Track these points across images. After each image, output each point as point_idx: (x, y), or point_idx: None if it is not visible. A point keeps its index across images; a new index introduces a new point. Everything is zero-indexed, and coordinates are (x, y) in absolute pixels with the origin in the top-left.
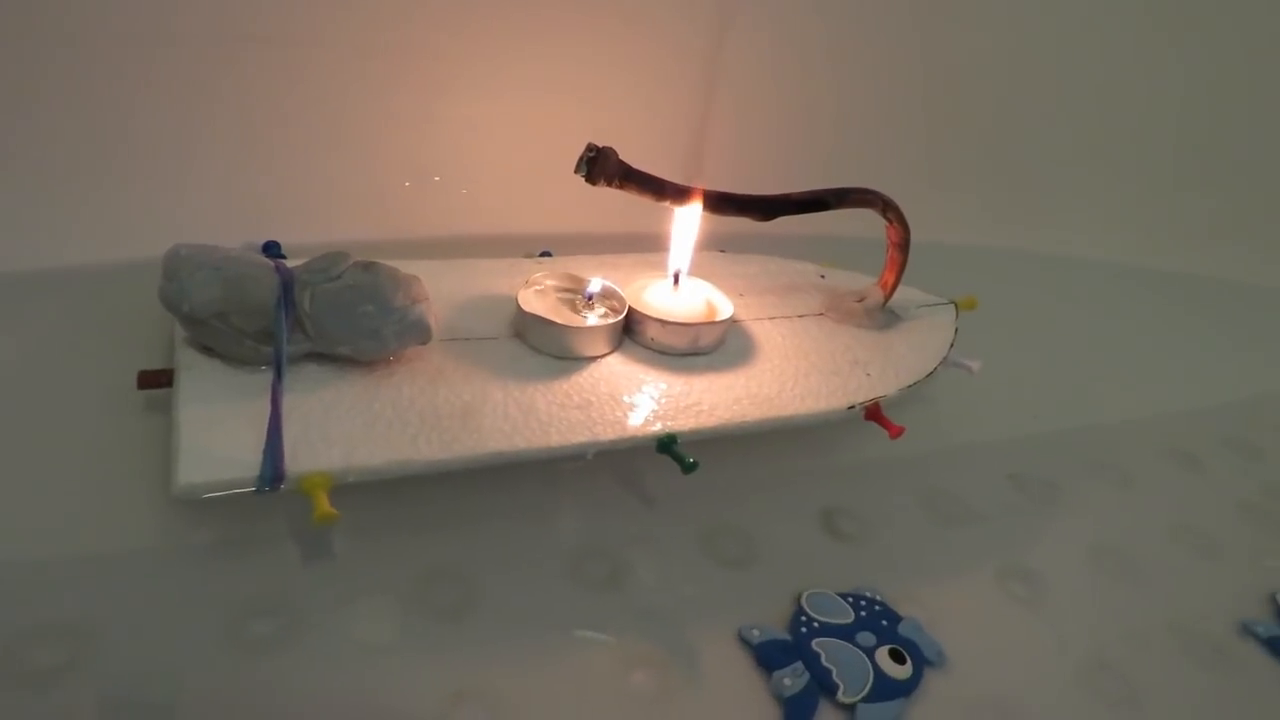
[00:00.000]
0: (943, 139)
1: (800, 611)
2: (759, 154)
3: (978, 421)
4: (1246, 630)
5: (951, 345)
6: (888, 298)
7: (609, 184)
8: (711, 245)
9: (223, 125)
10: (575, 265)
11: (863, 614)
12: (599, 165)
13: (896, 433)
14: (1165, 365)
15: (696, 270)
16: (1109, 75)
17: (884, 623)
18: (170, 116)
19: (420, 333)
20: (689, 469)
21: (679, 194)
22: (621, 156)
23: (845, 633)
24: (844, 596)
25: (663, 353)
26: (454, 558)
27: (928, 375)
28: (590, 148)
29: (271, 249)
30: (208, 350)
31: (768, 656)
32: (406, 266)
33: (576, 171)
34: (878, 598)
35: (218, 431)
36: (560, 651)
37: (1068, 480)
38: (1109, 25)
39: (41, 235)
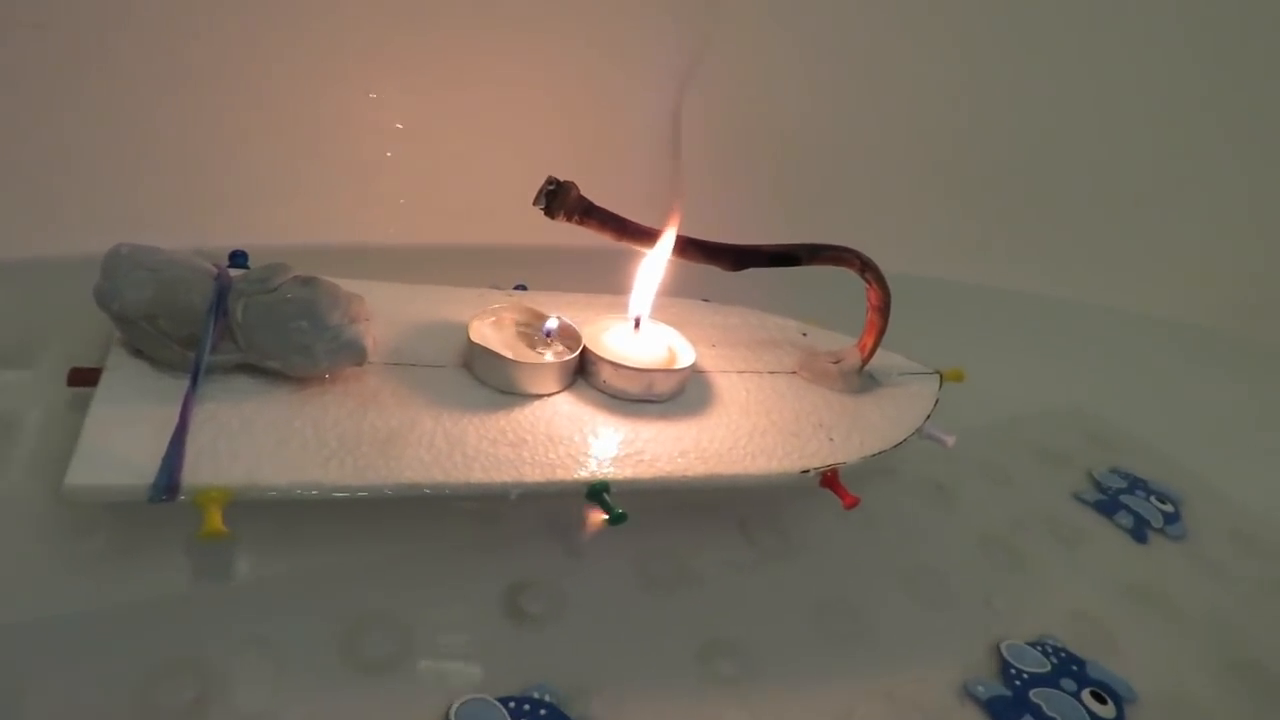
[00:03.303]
0: None
1: None
2: (739, 198)
3: None
4: (967, 692)
5: (928, 417)
6: (865, 361)
7: (568, 219)
8: (696, 293)
9: (193, 123)
10: (546, 302)
11: None
12: (558, 199)
13: (851, 503)
14: None
15: (675, 318)
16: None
17: None
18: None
19: (354, 353)
20: (616, 520)
21: (642, 235)
22: (601, 191)
23: None
24: (506, 702)
25: (615, 397)
26: None
27: (895, 445)
28: (550, 180)
29: (238, 259)
30: (139, 353)
31: None
32: (375, 288)
33: (535, 204)
34: (547, 699)
35: (123, 435)
36: None
37: (801, 525)
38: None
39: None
